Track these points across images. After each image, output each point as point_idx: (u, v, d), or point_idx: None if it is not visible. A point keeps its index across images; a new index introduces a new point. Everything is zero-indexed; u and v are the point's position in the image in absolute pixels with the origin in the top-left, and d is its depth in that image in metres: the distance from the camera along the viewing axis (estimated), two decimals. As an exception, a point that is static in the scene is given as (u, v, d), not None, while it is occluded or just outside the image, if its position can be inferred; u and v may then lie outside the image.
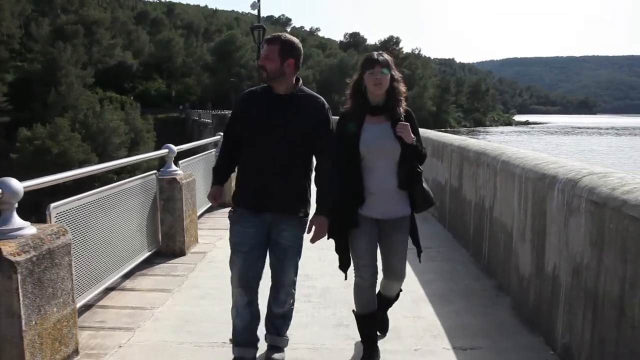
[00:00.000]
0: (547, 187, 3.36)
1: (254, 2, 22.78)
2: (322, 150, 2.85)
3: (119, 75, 76.39)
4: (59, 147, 43.67)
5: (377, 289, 3.16)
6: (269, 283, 2.99)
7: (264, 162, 2.77)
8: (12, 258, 2.54)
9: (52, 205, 3.26)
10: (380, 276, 3.09)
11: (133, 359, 3.12)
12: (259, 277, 2.89)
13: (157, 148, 6.09)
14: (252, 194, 2.81)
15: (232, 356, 2.93)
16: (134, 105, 56.24)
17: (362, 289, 3.00)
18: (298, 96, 2.83)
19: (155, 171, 5.11)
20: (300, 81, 2.87)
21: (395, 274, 3.07)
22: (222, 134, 5.98)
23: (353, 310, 3.11)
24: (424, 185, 2.99)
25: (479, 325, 3.59)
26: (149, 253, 4.87)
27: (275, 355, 2.99)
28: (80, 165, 41.08)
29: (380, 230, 3.00)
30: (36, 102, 58.01)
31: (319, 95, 2.91)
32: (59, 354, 2.93)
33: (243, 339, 2.91)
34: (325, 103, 2.89)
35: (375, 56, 2.90)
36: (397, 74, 2.95)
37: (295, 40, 2.85)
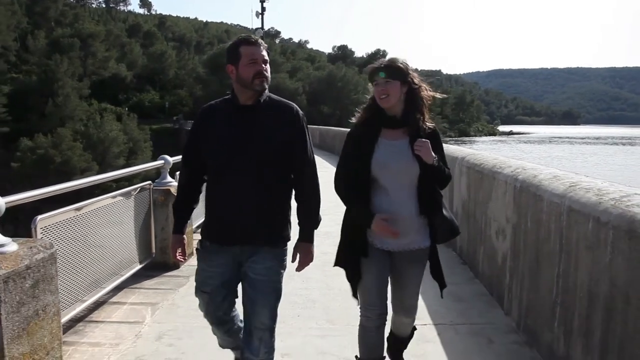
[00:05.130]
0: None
1: (259, 29, 25.55)
2: (300, 165, 2.50)
3: (114, 87, 78.70)
4: (61, 156, 45.83)
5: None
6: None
7: (230, 186, 2.41)
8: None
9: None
10: (390, 314, 2.76)
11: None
12: (230, 311, 2.65)
13: (154, 157, 6.92)
14: (218, 225, 2.48)
15: None
16: (131, 116, 58.44)
17: (368, 331, 2.67)
18: (266, 105, 2.45)
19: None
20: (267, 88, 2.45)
21: (405, 310, 2.76)
22: None
23: (356, 356, 2.77)
24: (445, 212, 2.65)
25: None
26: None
27: None
28: (82, 173, 43.47)
29: (393, 263, 2.64)
30: (33, 113, 60.04)
31: (290, 102, 2.54)
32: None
33: (233, 347, 2.83)
34: (299, 110, 2.51)
35: (378, 64, 2.55)
36: (417, 81, 2.56)
37: None
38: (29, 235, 3.15)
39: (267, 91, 2.46)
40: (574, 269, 2.81)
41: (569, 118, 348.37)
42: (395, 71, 2.51)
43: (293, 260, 2.57)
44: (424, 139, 2.49)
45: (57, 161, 45.14)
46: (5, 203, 2.75)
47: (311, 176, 2.54)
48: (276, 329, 2.52)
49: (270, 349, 2.49)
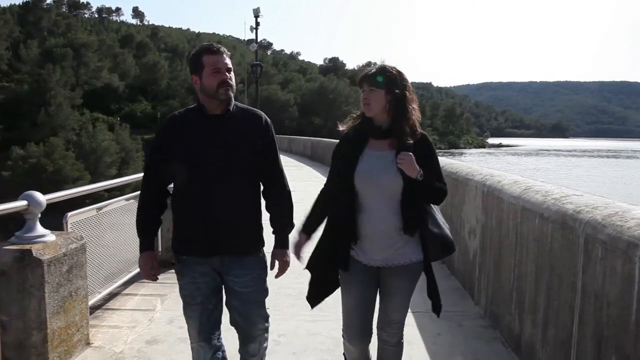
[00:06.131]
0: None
1: (253, 43, 26.26)
2: (270, 174, 2.51)
3: (106, 97, 78.98)
4: (53, 165, 46.05)
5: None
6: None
7: (205, 197, 2.34)
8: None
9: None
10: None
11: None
12: (220, 322, 2.57)
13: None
14: (194, 237, 2.39)
15: None
16: (123, 126, 58.78)
17: (350, 350, 2.65)
18: (235, 114, 2.43)
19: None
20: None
21: (389, 324, 2.56)
22: None
23: (344, 354, 2.79)
24: (435, 228, 2.58)
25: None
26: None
27: None
28: (74, 182, 43.67)
29: (381, 279, 2.53)
30: (25, 122, 60.16)
31: (259, 111, 2.54)
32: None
33: None
34: (267, 118, 2.52)
35: (365, 71, 2.47)
36: (406, 92, 2.44)
37: None
38: (59, 229, 3.64)
39: (233, 100, 2.41)
40: (525, 258, 3.34)
41: (558, 131, 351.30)
42: (380, 80, 2.41)
43: (272, 268, 2.58)
44: (408, 152, 2.36)
45: (49, 170, 45.32)
46: (46, 200, 3.25)
47: (282, 183, 2.56)
48: (273, 316, 2.82)
49: (266, 340, 2.67)
